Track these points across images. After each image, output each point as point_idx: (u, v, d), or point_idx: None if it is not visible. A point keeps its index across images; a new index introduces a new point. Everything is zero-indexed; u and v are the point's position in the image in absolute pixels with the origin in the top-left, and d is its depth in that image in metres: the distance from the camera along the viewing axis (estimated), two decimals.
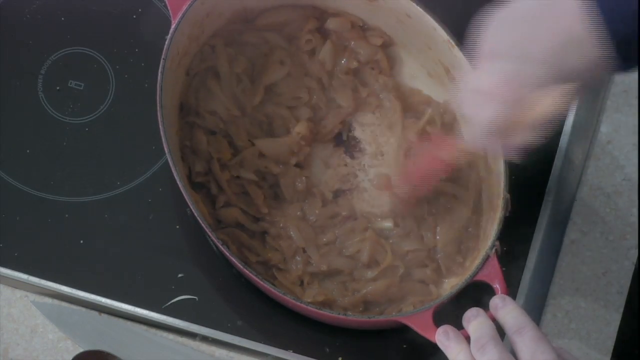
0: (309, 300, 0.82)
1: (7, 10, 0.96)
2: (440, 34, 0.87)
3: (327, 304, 0.84)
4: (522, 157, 0.75)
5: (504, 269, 0.80)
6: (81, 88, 0.93)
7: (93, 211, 0.89)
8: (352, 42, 0.93)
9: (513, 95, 0.70)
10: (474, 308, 0.73)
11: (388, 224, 0.89)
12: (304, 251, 0.86)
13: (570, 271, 0.90)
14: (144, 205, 0.89)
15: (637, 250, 0.91)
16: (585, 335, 0.88)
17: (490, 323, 0.71)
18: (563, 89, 0.69)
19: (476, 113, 0.74)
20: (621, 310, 0.89)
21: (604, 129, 0.95)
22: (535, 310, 0.88)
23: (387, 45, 0.94)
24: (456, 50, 0.86)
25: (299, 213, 0.88)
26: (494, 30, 0.71)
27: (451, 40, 0.86)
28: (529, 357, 0.67)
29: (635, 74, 0.94)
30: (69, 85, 0.93)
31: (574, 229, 0.92)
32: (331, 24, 0.93)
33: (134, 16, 0.96)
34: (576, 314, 0.89)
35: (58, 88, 0.93)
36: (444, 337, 0.73)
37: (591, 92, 0.95)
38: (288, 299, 0.79)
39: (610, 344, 0.88)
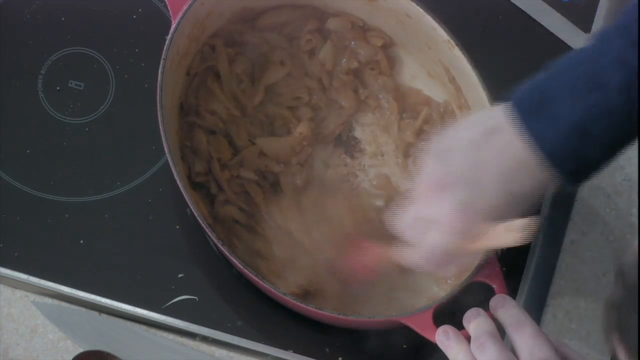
0: (287, 291, 0.82)
1: (7, 10, 0.96)
2: (440, 34, 0.87)
3: (309, 290, 0.84)
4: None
5: (504, 269, 0.80)
6: (81, 88, 0.93)
7: (93, 211, 0.89)
8: (353, 42, 0.93)
9: (464, 225, 0.70)
10: (474, 308, 0.73)
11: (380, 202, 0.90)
12: (290, 235, 0.86)
13: (570, 271, 0.90)
14: (144, 205, 0.89)
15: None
16: (585, 335, 0.88)
17: (490, 322, 0.71)
18: (512, 222, 0.68)
19: (421, 240, 0.73)
20: None
21: None
22: (535, 310, 0.88)
23: (387, 46, 0.94)
24: (456, 50, 0.86)
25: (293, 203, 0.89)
26: (440, 160, 0.71)
27: (451, 41, 0.86)
28: (527, 353, 0.67)
29: None
30: (69, 85, 0.93)
31: (574, 229, 0.92)
32: (331, 24, 0.93)
33: (134, 16, 0.96)
34: (576, 314, 0.89)
35: (58, 88, 0.93)
36: (444, 337, 0.73)
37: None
38: (288, 299, 0.79)
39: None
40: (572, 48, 0.97)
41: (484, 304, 0.74)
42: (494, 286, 0.79)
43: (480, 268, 0.80)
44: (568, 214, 0.92)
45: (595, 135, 0.64)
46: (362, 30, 0.93)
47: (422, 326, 0.77)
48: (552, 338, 0.69)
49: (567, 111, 0.65)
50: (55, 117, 0.92)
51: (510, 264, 0.86)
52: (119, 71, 0.94)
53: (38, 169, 0.90)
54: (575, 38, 0.97)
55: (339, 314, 0.80)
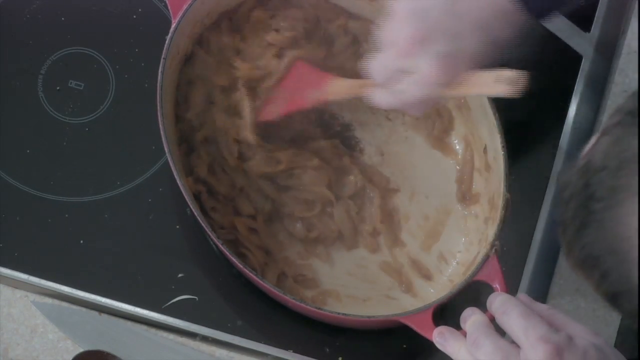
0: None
1: (7, 10, 0.96)
2: None
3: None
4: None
5: (503, 269, 0.80)
6: (81, 88, 0.93)
7: (93, 211, 0.89)
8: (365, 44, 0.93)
9: (445, 76, 0.72)
10: (469, 308, 0.73)
11: None
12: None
13: (570, 271, 0.90)
14: (144, 205, 0.89)
15: None
16: None
17: (484, 319, 0.71)
18: (502, 73, 0.70)
19: (395, 87, 0.75)
20: None
21: None
22: None
23: None
24: None
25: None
26: (417, 16, 0.73)
27: None
28: (522, 335, 0.66)
29: (635, 75, 0.95)
30: (69, 85, 0.93)
31: None
32: (353, 25, 0.92)
33: (134, 16, 0.96)
34: (576, 314, 0.89)
35: (58, 88, 0.93)
36: (441, 339, 0.73)
37: (591, 89, 0.96)
38: (288, 299, 0.79)
39: (610, 343, 0.88)
40: (572, 48, 0.97)
41: (484, 304, 0.74)
42: (494, 286, 0.79)
43: (480, 268, 0.80)
44: None
45: None
46: None
47: (421, 326, 0.77)
48: (545, 307, 0.68)
49: None
50: (55, 117, 0.92)
51: (510, 264, 0.86)
52: (119, 71, 0.94)
53: (38, 169, 0.90)
54: (575, 38, 0.97)
55: (338, 314, 0.80)
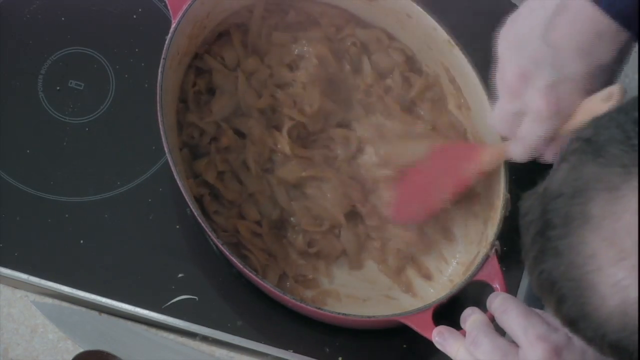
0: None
1: (7, 10, 0.96)
2: (440, 34, 0.87)
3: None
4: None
5: (503, 269, 0.80)
6: (81, 88, 0.93)
7: (93, 211, 0.89)
8: (373, 55, 0.92)
9: (554, 107, 0.71)
10: (469, 307, 0.73)
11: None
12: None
13: None
14: (144, 205, 0.89)
15: None
16: None
17: (483, 318, 0.71)
18: (600, 93, 0.70)
19: (517, 132, 0.74)
20: None
21: None
22: None
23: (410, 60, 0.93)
24: (456, 50, 0.86)
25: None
26: (516, 52, 0.73)
27: (451, 41, 0.86)
28: (521, 334, 0.66)
29: (635, 75, 0.95)
30: (69, 85, 0.93)
31: None
32: (360, 34, 0.92)
33: (134, 16, 0.96)
34: None
35: (58, 88, 0.93)
36: (440, 339, 0.73)
37: None
38: (288, 299, 0.79)
39: None
40: None
41: (484, 304, 0.74)
42: (494, 286, 0.79)
43: (480, 268, 0.80)
44: None
45: None
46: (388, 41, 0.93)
47: (422, 326, 0.77)
48: (539, 312, 0.69)
49: None
50: (55, 117, 0.92)
51: (510, 264, 0.86)
52: (119, 71, 0.94)
53: (38, 169, 0.90)
54: None
55: (339, 314, 0.80)
